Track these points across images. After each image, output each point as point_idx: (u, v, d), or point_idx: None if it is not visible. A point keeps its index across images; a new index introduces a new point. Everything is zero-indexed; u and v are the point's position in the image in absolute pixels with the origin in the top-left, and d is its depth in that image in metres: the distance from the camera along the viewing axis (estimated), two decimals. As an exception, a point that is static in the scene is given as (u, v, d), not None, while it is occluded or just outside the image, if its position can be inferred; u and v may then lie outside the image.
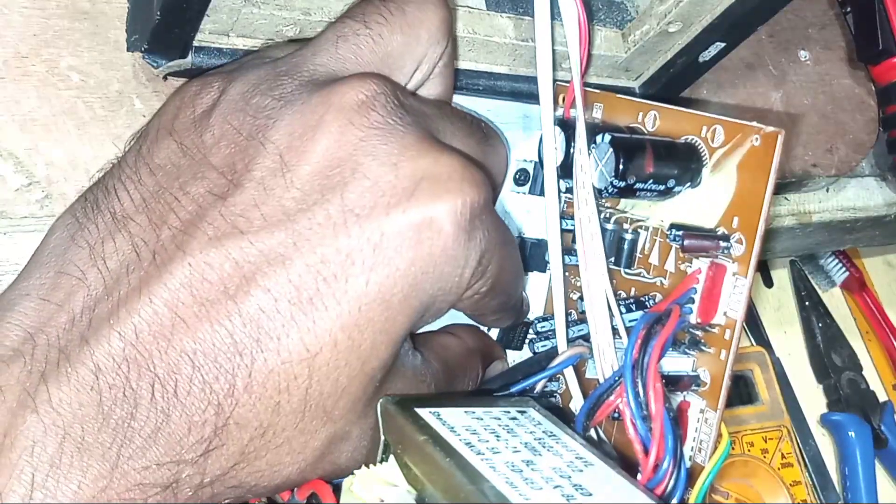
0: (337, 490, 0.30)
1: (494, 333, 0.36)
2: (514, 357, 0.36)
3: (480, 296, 0.28)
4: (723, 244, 0.29)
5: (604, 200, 0.33)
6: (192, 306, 0.22)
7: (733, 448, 0.51)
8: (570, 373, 0.32)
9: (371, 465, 0.26)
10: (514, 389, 0.32)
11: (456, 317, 0.34)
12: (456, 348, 0.32)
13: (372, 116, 0.24)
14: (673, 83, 0.37)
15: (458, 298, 0.26)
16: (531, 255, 0.36)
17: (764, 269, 0.64)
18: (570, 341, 0.32)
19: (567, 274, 0.33)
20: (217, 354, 0.22)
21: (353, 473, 0.27)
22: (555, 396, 0.34)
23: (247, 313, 0.23)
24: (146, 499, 0.22)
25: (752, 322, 0.61)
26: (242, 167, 0.24)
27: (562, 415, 0.29)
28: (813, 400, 0.61)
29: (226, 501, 0.24)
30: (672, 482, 0.27)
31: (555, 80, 0.32)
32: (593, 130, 0.31)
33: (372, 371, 0.25)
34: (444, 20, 0.28)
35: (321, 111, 0.24)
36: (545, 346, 0.34)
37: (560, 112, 0.34)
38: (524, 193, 0.36)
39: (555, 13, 0.31)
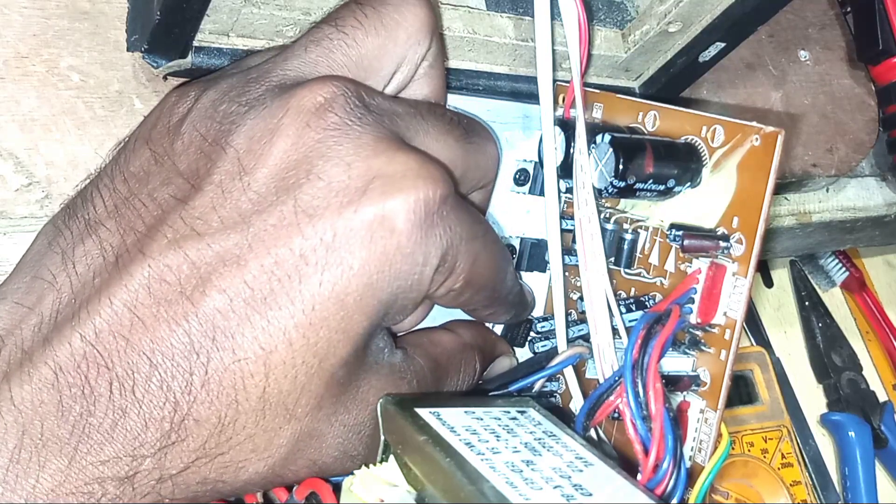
0: (337, 489, 0.30)
1: (499, 329, 0.36)
2: (517, 354, 0.36)
3: (456, 292, 0.28)
4: (723, 244, 0.29)
5: (604, 200, 0.33)
6: (150, 307, 0.23)
7: (733, 448, 0.51)
8: (570, 373, 0.32)
9: (371, 465, 0.26)
10: (512, 388, 0.32)
11: (458, 313, 0.34)
12: (448, 345, 0.32)
13: (329, 118, 0.25)
14: (673, 83, 0.37)
15: (423, 295, 0.26)
16: (531, 255, 0.36)
17: (764, 269, 0.64)
18: (570, 341, 0.32)
19: (567, 274, 0.33)
20: (174, 353, 0.23)
21: (352, 473, 0.27)
22: (555, 396, 0.34)
23: (203, 313, 0.23)
24: (104, 492, 0.23)
25: (752, 322, 0.61)
26: (204, 171, 0.25)
27: (562, 415, 0.29)
28: (813, 400, 0.61)
29: (193, 500, 0.25)
30: (672, 482, 0.27)
31: (555, 80, 0.32)
32: (593, 130, 0.31)
33: (331, 368, 0.25)
34: (425, 21, 0.28)
35: (280, 114, 0.25)
36: (545, 346, 0.34)
37: (560, 112, 0.34)
38: (524, 193, 0.36)
39: (555, 13, 0.31)
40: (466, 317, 0.33)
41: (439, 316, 0.34)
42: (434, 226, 0.25)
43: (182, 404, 0.23)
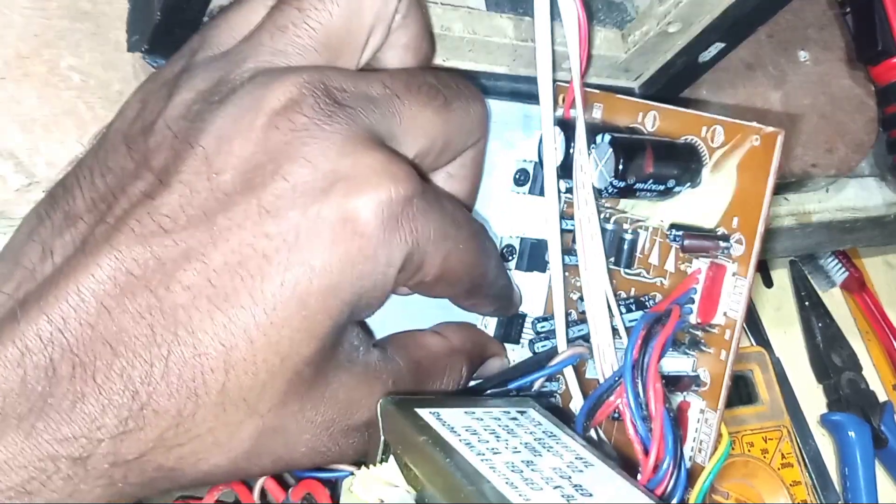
0: (333, 489, 0.30)
1: (492, 330, 0.36)
2: (513, 351, 0.36)
3: (428, 285, 0.28)
4: (723, 244, 0.29)
5: (604, 200, 0.33)
6: (116, 297, 0.24)
7: (733, 448, 0.51)
8: (570, 373, 0.32)
9: (371, 466, 0.27)
10: (511, 386, 0.32)
11: (460, 312, 0.34)
12: (434, 349, 0.32)
13: (296, 119, 0.25)
14: (673, 83, 0.37)
15: (388, 293, 0.27)
16: (531, 255, 0.36)
17: (764, 269, 0.64)
18: (570, 341, 0.32)
19: (567, 274, 0.33)
20: (136, 344, 0.24)
21: (352, 473, 0.27)
22: (555, 396, 0.34)
23: (166, 308, 0.24)
24: (57, 469, 0.23)
25: (752, 322, 0.61)
26: (174, 169, 0.25)
27: (562, 415, 0.29)
28: (813, 400, 0.61)
29: (148, 486, 0.25)
30: (672, 482, 0.27)
31: (555, 81, 0.32)
32: (593, 130, 0.31)
33: (295, 367, 0.25)
34: None
35: (247, 115, 0.25)
36: (545, 346, 0.34)
37: (560, 112, 0.34)
38: (524, 193, 0.36)
39: (555, 13, 0.31)
40: (460, 315, 0.33)
41: (433, 314, 0.34)
42: (398, 227, 0.25)
43: (141, 393, 0.24)
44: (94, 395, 0.23)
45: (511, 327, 0.36)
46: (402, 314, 0.33)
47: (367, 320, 0.32)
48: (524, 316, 0.36)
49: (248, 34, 0.27)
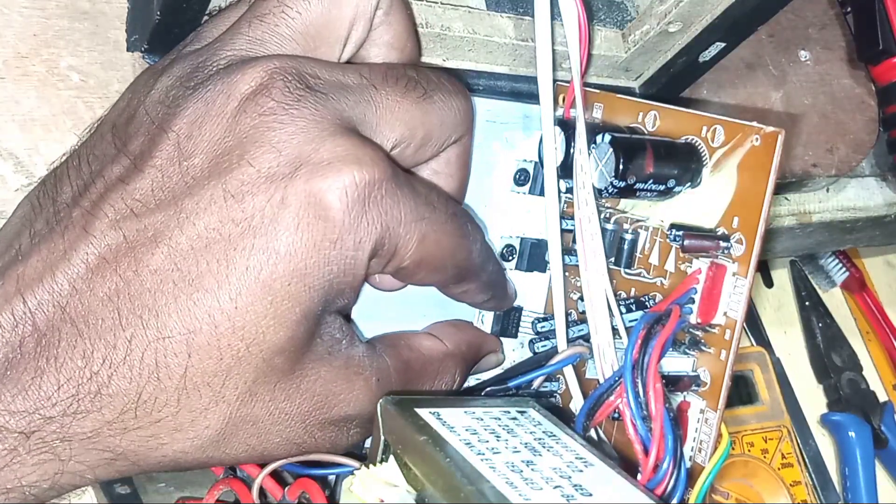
0: (329, 487, 0.30)
1: (489, 324, 0.36)
2: (513, 351, 0.36)
3: (408, 271, 0.28)
4: (723, 244, 0.29)
5: (604, 200, 0.33)
6: (87, 281, 0.24)
7: (733, 448, 0.51)
8: (570, 373, 0.32)
9: (371, 466, 0.27)
10: (511, 384, 0.32)
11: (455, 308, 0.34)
12: (427, 352, 0.32)
13: (265, 104, 0.25)
14: (673, 83, 0.37)
15: (361, 279, 0.26)
16: (531, 255, 0.36)
17: (764, 269, 0.64)
18: (571, 341, 0.32)
19: (567, 274, 0.33)
20: (102, 326, 0.24)
21: (352, 473, 0.27)
22: (554, 396, 0.34)
23: (133, 291, 0.24)
24: (3, 439, 0.24)
25: (752, 322, 0.61)
26: (147, 154, 0.25)
27: (562, 415, 0.29)
28: (813, 400, 0.61)
29: (96, 465, 0.25)
30: (672, 482, 0.27)
31: (555, 80, 0.32)
32: (593, 130, 0.31)
33: (262, 354, 0.25)
34: None
35: (219, 100, 0.25)
36: (545, 346, 0.34)
37: (560, 112, 0.34)
38: (524, 193, 0.36)
39: (555, 13, 0.31)
40: (456, 312, 0.33)
41: (432, 312, 0.34)
42: (365, 210, 0.25)
43: (102, 374, 0.24)
44: (52, 373, 0.24)
45: (508, 321, 0.35)
46: (396, 312, 0.33)
47: (361, 321, 0.32)
48: (520, 309, 0.36)
49: (231, 25, 0.28)
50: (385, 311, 0.32)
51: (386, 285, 0.31)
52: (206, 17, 0.29)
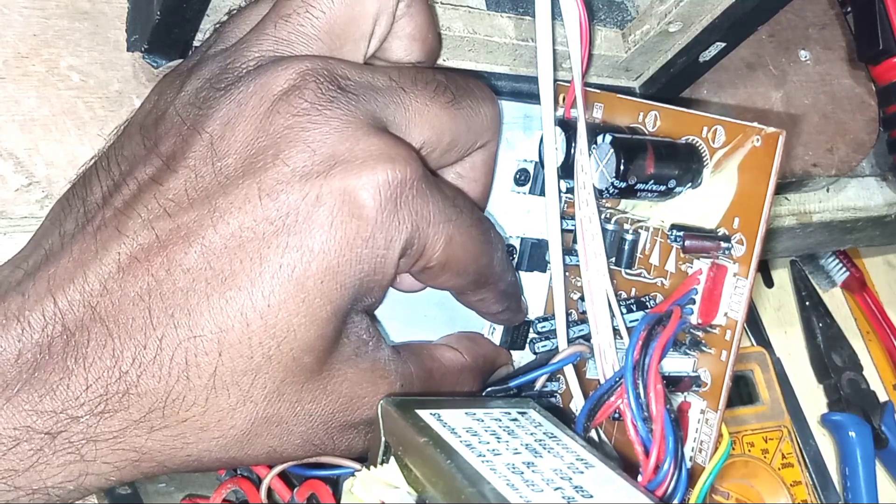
0: (336, 488, 0.30)
1: (498, 336, 0.36)
2: (521, 360, 0.36)
3: (433, 272, 0.28)
4: (724, 245, 0.29)
5: (604, 201, 0.33)
6: (119, 280, 0.24)
7: (734, 448, 0.51)
8: (570, 373, 0.32)
9: (372, 467, 0.26)
10: (512, 384, 0.32)
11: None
12: (448, 363, 0.32)
13: (298, 104, 0.25)
14: (673, 83, 0.37)
15: (390, 278, 0.26)
16: (531, 255, 0.36)
17: (764, 269, 0.64)
18: (571, 341, 0.32)
19: (567, 274, 0.33)
20: (132, 326, 0.24)
21: (353, 474, 0.27)
22: (555, 397, 0.34)
23: (165, 290, 0.24)
24: (29, 438, 0.24)
25: (753, 322, 0.61)
26: (181, 155, 0.25)
27: (562, 415, 0.29)
28: (813, 400, 0.61)
29: (121, 465, 0.25)
30: (673, 483, 0.27)
31: (555, 80, 0.32)
32: (594, 130, 0.31)
33: (292, 353, 0.25)
34: None
35: (251, 101, 0.25)
36: (546, 346, 0.34)
37: (561, 112, 0.34)
38: (525, 193, 0.36)
39: (555, 13, 0.31)
40: (465, 323, 0.33)
41: (433, 312, 0.34)
42: (397, 209, 0.25)
43: (131, 374, 0.24)
44: (81, 373, 0.24)
45: (517, 333, 0.36)
46: (396, 312, 0.33)
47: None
48: (530, 322, 0.36)
49: (255, 25, 0.28)
50: (385, 311, 0.32)
51: (406, 286, 0.31)
52: (205, 17, 0.29)
